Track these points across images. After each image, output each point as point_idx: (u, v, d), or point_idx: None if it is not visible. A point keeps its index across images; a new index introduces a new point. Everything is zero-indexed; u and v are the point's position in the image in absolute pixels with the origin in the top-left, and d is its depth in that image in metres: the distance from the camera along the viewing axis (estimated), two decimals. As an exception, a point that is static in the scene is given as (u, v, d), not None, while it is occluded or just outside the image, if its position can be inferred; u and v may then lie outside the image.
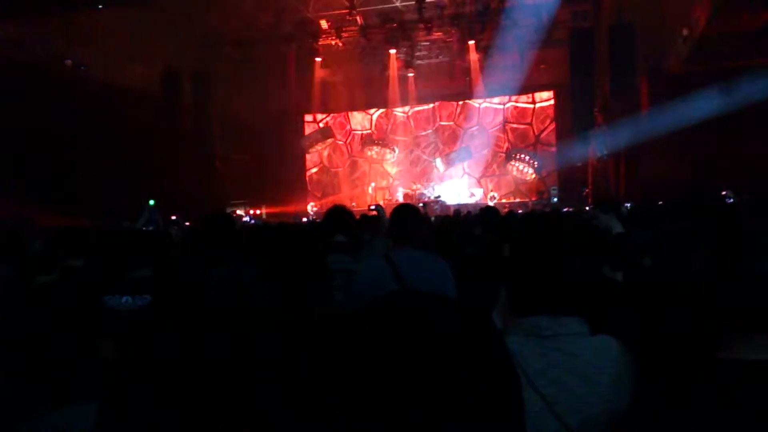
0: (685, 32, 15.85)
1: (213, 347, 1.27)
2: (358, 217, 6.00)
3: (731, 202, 10.23)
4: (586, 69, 17.49)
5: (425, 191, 20.85)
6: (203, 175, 19.84)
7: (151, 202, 9.27)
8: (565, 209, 13.48)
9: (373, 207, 5.95)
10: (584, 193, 18.34)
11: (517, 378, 0.70)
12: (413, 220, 3.12)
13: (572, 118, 18.06)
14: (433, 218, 8.62)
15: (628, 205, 9.45)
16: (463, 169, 22.27)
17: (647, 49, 16.85)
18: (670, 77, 16.98)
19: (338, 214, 3.68)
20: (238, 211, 19.92)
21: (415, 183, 22.23)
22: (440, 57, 21.61)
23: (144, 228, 6.80)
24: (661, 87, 16.89)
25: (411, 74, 22.03)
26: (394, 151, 23.28)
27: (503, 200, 21.10)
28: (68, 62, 16.37)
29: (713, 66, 15.59)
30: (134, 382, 1.16)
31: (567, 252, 1.57)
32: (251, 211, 20.51)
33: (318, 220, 9.65)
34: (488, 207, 5.75)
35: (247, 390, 1.19)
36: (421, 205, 17.08)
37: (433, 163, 22.81)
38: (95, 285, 2.97)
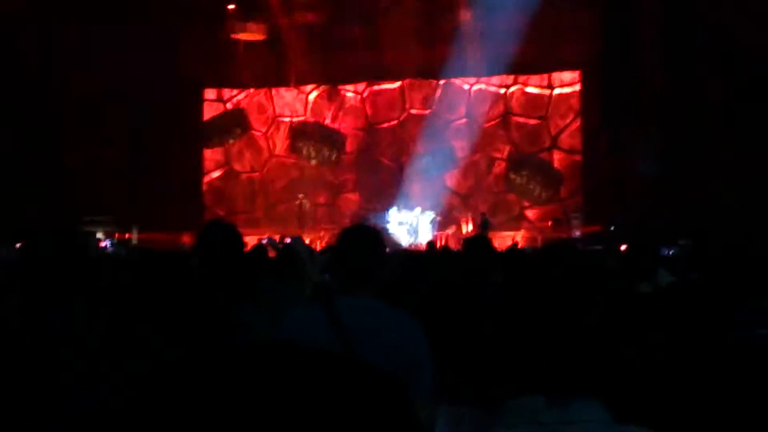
0: None
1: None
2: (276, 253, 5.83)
3: None
4: (628, 44, 17.87)
5: (383, 215, 20.76)
6: (45, 175, 19.42)
7: None
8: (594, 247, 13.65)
9: (265, 241, 5.61)
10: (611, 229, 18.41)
11: None
12: (371, 251, 3.08)
13: (604, 114, 18.39)
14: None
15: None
16: (442, 182, 22.34)
17: (717, 18, 17.24)
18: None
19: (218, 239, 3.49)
20: (99, 234, 19.60)
21: (369, 201, 22.22)
22: (413, 13, 21.74)
23: None
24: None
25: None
26: (339, 151, 23.35)
27: (508, 232, 21.16)
28: None
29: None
30: None
31: (594, 306, 1.57)
32: (116, 235, 20.15)
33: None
34: (475, 238, 5.60)
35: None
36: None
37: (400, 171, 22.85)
38: None
